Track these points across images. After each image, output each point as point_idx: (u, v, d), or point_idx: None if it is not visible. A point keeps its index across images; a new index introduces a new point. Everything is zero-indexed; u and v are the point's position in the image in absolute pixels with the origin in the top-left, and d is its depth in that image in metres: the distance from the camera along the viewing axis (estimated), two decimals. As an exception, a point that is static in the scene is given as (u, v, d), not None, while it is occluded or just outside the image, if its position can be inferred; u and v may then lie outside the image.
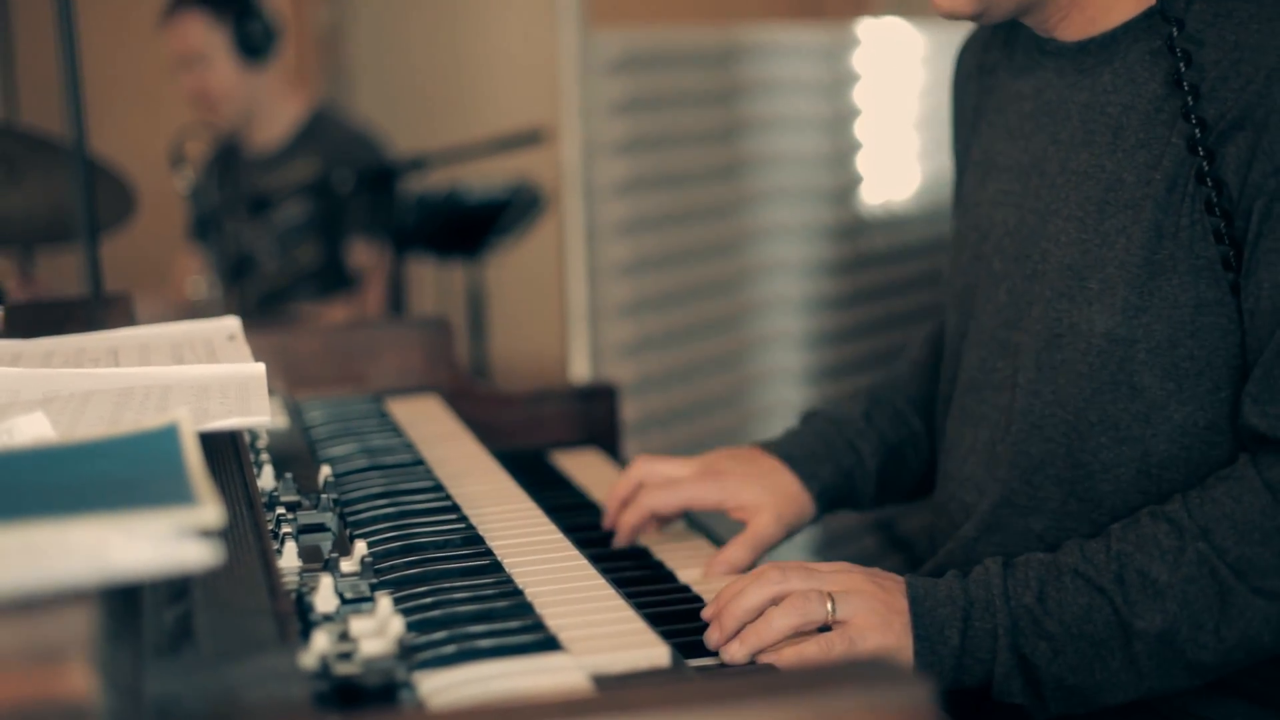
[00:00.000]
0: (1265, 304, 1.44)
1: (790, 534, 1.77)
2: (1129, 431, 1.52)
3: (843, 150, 3.98)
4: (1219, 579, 1.40)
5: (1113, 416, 1.52)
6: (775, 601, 1.43)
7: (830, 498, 1.80)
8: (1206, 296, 1.47)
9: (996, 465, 1.63)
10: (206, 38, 3.97)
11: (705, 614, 1.46)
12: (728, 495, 1.73)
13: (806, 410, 1.91)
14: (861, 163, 4.01)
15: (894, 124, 4.08)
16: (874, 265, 4.00)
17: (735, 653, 1.40)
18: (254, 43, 3.95)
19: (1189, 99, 1.46)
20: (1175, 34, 1.48)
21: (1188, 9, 1.49)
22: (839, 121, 3.97)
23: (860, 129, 4.01)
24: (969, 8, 1.54)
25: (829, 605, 1.42)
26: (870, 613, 1.42)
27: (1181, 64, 1.47)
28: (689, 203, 3.55)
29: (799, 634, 1.43)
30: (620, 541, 1.74)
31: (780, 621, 1.40)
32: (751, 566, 1.67)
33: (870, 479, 1.84)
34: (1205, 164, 1.45)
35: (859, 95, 3.99)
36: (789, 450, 1.80)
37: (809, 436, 1.83)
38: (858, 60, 3.97)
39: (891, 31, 4.15)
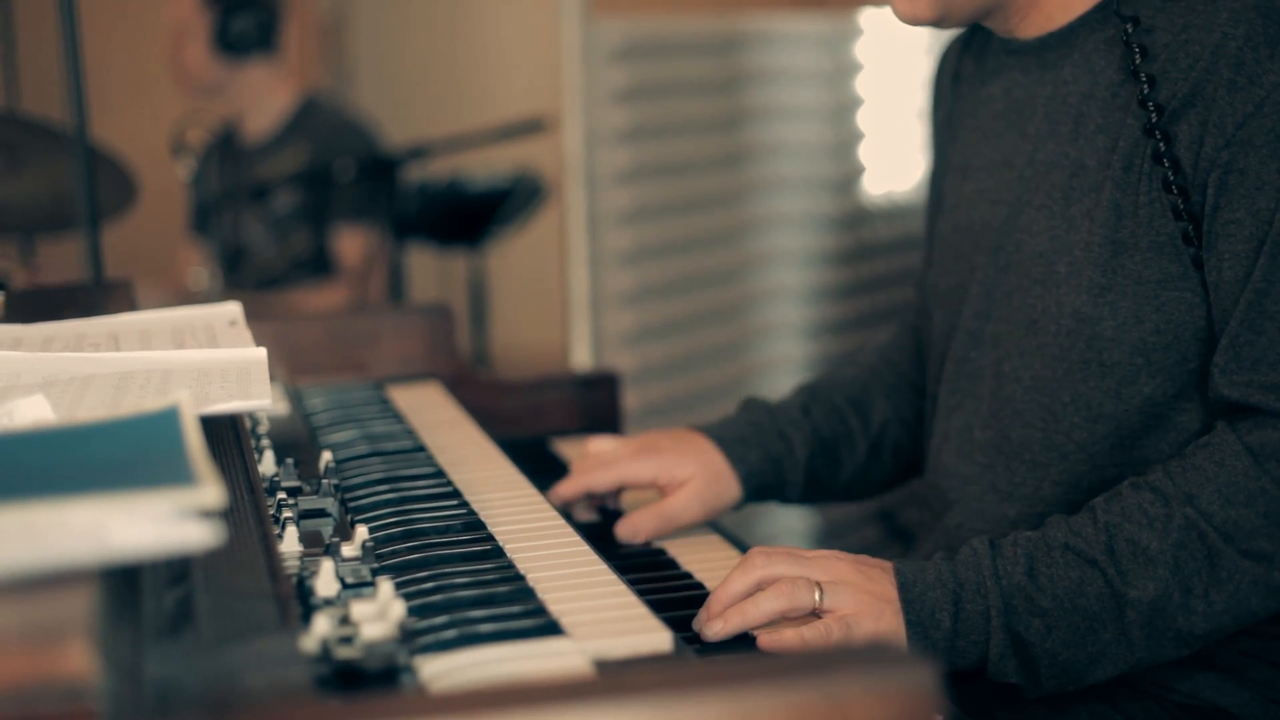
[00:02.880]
0: (1227, 275, 1.47)
1: (710, 515, 1.78)
2: (1101, 409, 1.55)
3: (845, 140, 3.97)
4: (1208, 543, 1.42)
5: (1084, 396, 1.56)
6: (762, 587, 1.44)
7: (757, 484, 1.81)
8: (1169, 272, 1.51)
9: (974, 453, 1.66)
10: (192, 16, 3.98)
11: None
12: (661, 471, 1.75)
13: (745, 399, 1.91)
14: (864, 152, 4.00)
15: (896, 114, 4.08)
16: (876, 255, 3.99)
17: (716, 629, 1.41)
18: (233, 39, 3.95)
19: (1144, 88, 1.50)
20: (1129, 30, 1.52)
21: None
22: (841, 111, 3.96)
23: (862, 119, 4.00)
24: (929, 14, 1.60)
25: (816, 594, 1.42)
26: (859, 603, 1.43)
27: (1137, 55, 1.51)
28: (691, 192, 3.54)
29: (785, 621, 1.43)
30: (558, 500, 1.76)
31: (767, 604, 1.41)
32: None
33: (799, 469, 1.84)
34: (1161, 145, 1.49)
35: (861, 85, 3.99)
36: (720, 433, 1.82)
37: (742, 422, 1.85)
38: (860, 50, 3.96)
39: (894, 21, 4.13)
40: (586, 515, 1.80)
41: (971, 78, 1.77)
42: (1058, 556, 1.44)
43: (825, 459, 1.87)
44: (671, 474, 1.75)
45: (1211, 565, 1.42)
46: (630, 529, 1.70)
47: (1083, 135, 1.58)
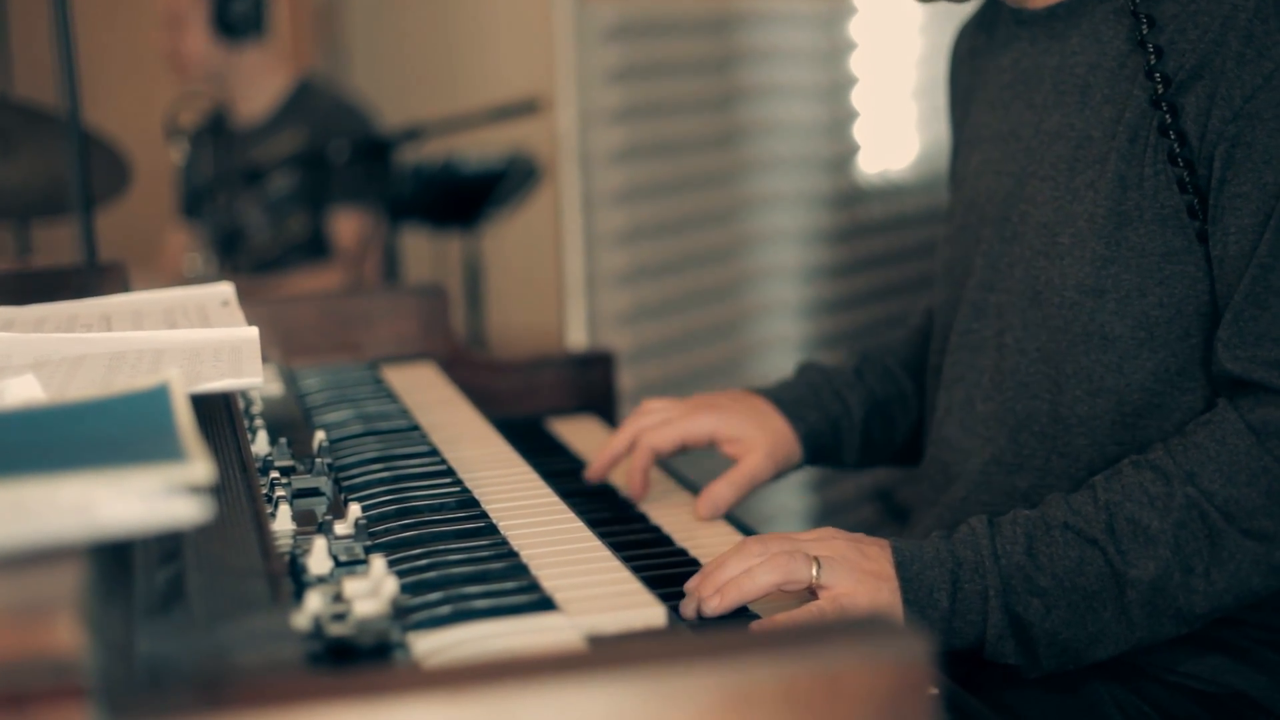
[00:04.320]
0: (1233, 249, 1.46)
1: (780, 474, 1.79)
2: (1103, 383, 1.54)
3: (840, 119, 3.96)
4: (1209, 522, 1.41)
5: (1086, 369, 1.55)
6: None
7: (816, 445, 1.82)
8: (1173, 245, 1.49)
9: (977, 425, 1.65)
10: (188, 4, 3.97)
11: (689, 585, 1.45)
12: (721, 426, 1.75)
13: (801, 363, 1.92)
14: (858, 131, 4.00)
15: (891, 92, 4.07)
16: (871, 234, 3.98)
17: (714, 605, 1.39)
18: (232, 21, 3.94)
19: (1151, 58, 1.49)
20: (1138, 0, 1.51)
21: None
22: (836, 90, 3.95)
23: (857, 97, 3.99)
24: None
25: (814, 569, 1.41)
26: (856, 581, 1.41)
27: (1144, 26, 1.50)
28: (685, 171, 3.53)
29: (782, 595, 1.42)
30: (634, 491, 1.75)
31: (763, 577, 1.40)
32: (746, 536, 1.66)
33: (856, 431, 1.85)
34: (1168, 117, 1.47)
35: (856, 63, 3.98)
36: (778, 394, 1.82)
37: (800, 384, 1.85)
38: (855, 28, 3.96)
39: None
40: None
41: (984, 51, 1.77)
42: (1057, 535, 1.43)
43: (881, 421, 1.87)
44: (731, 430, 1.75)
45: (1212, 544, 1.40)
46: (710, 504, 1.68)
47: (1089, 106, 1.57)
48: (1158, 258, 1.50)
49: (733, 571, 1.41)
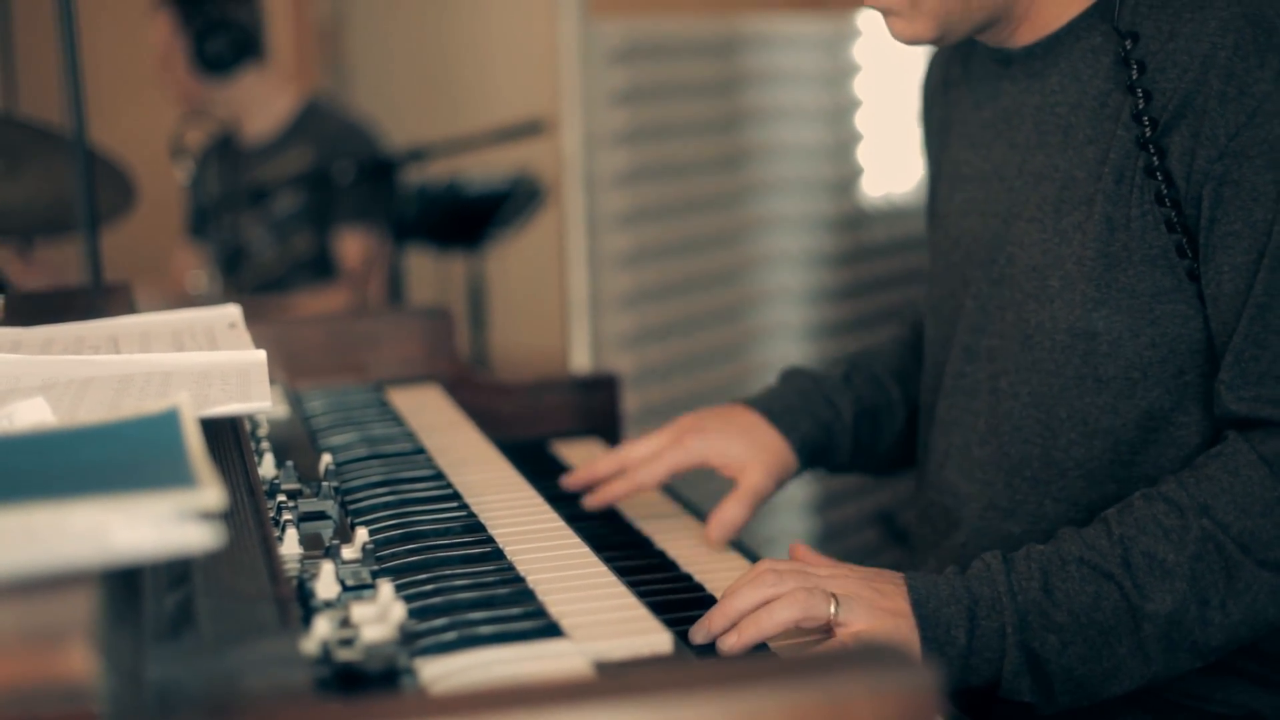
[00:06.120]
0: (1227, 287, 1.46)
1: (780, 486, 1.79)
2: (1098, 424, 1.54)
3: (844, 141, 3.97)
4: (1225, 554, 1.40)
5: (1080, 412, 1.55)
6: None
7: (810, 451, 1.82)
8: (1163, 284, 1.50)
9: (974, 470, 1.65)
10: (170, 39, 3.98)
11: (708, 623, 1.43)
12: (712, 450, 1.75)
13: (785, 368, 1.92)
14: (862, 154, 4.00)
15: (895, 116, 4.08)
16: (875, 257, 3.99)
17: (732, 643, 1.38)
18: (211, 57, 3.94)
19: (1140, 102, 1.48)
20: (1129, 46, 1.50)
21: (1122, 3, 1.51)
22: (840, 113, 3.96)
23: (861, 120, 4.00)
24: (928, 33, 1.57)
25: (832, 606, 1.40)
26: (874, 618, 1.40)
27: (1134, 71, 1.49)
28: (690, 193, 3.54)
29: (799, 633, 1.42)
30: (593, 503, 1.75)
31: (782, 614, 1.38)
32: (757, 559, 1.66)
33: (847, 435, 1.85)
34: (1155, 159, 1.47)
35: (860, 86, 3.98)
36: (768, 405, 1.82)
37: (789, 392, 1.85)
38: (859, 51, 3.96)
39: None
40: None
41: (959, 83, 1.75)
42: (1073, 570, 1.42)
43: (869, 426, 1.88)
44: (721, 452, 1.75)
45: (1229, 576, 1.40)
46: (720, 527, 1.68)
47: (1072, 146, 1.56)
48: (1148, 298, 1.50)
49: (750, 602, 1.40)
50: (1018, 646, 1.41)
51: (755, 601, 1.40)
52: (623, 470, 1.76)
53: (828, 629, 1.41)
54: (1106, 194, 1.51)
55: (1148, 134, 1.47)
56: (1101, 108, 1.54)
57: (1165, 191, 1.47)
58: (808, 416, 1.81)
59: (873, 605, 1.41)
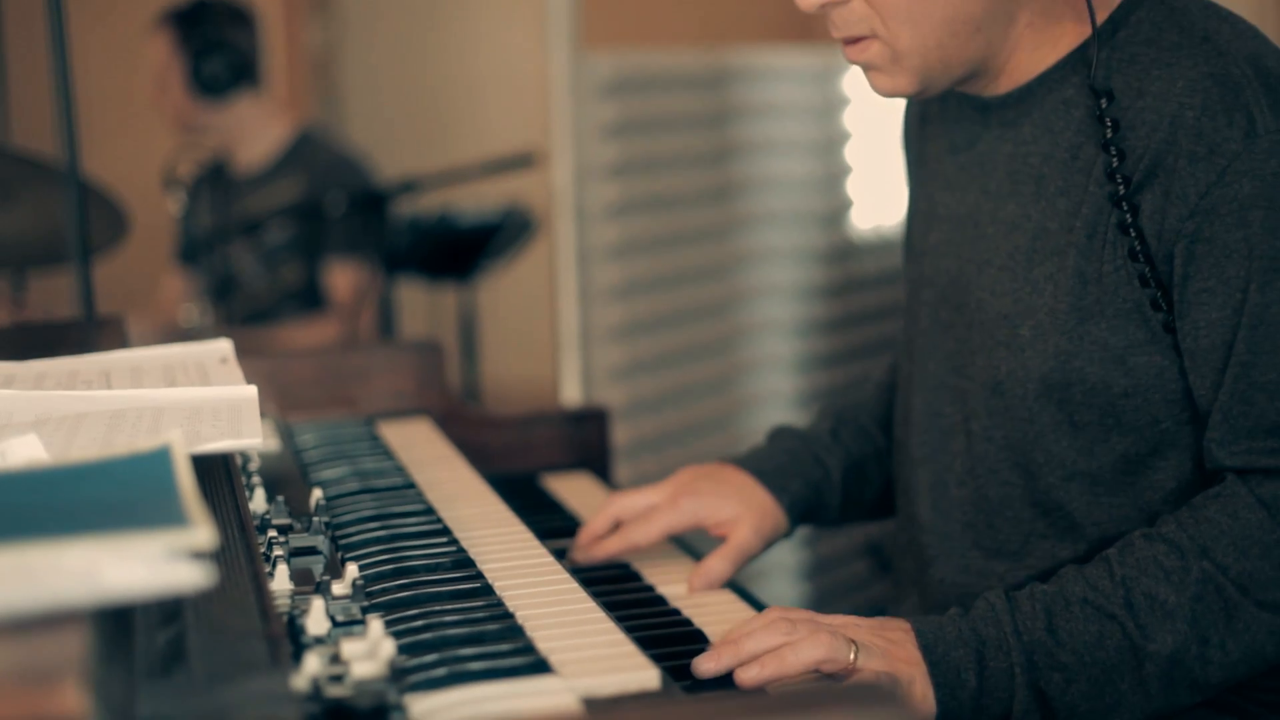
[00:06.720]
0: (1204, 343, 1.48)
1: (768, 546, 1.79)
2: (1075, 467, 1.56)
3: (833, 174, 3.99)
4: (1224, 595, 1.42)
5: (1058, 456, 1.57)
6: None
7: (800, 511, 1.82)
8: (1137, 337, 1.51)
9: (952, 509, 1.67)
10: (168, 61, 3.99)
11: (717, 661, 1.43)
12: (706, 513, 1.75)
13: (774, 428, 1.93)
14: (852, 186, 4.02)
15: (884, 148, 4.10)
16: (864, 289, 4.01)
17: (754, 675, 1.39)
18: (208, 78, 3.95)
19: (1114, 161, 1.49)
20: (1104, 105, 1.51)
21: (1095, 59, 1.52)
22: (829, 145, 3.98)
23: (850, 153, 4.02)
24: (910, 88, 1.58)
25: (852, 653, 1.41)
26: (889, 665, 1.42)
27: (1108, 130, 1.50)
28: (680, 226, 3.56)
29: (807, 676, 1.42)
30: (588, 559, 1.75)
31: (808, 653, 1.40)
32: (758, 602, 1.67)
33: (836, 492, 1.86)
34: (1128, 215, 1.49)
35: (849, 119, 4.01)
36: (758, 465, 1.82)
37: (778, 452, 1.85)
38: (848, 84, 3.99)
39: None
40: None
41: (936, 120, 1.76)
42: (1076, 610, 1.44)
43: (858, 479, 1.88)
44: (716, 516, 1.75)
45: (1228, 617, 1.42)
46: (704, 579, 1.69)
47: (1044, 197, 1.57)
48: (1121, 349, 1.51)
49: (764, 645, 1.41)
50: (1026, 686, 1.43)
51: (769, 645, 1.41)
52: (618, 524, 1.76)
53: (846, 673, 1.41)
54: (1079, 248, 1.53)
55: (1121, 191, 1.49)
56: (1073, 160, 1.55)
57: (1139, 248, 1.49)
58: (798, 477, 1.82)
59: (887, 654, 1.43)
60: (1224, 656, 1.43)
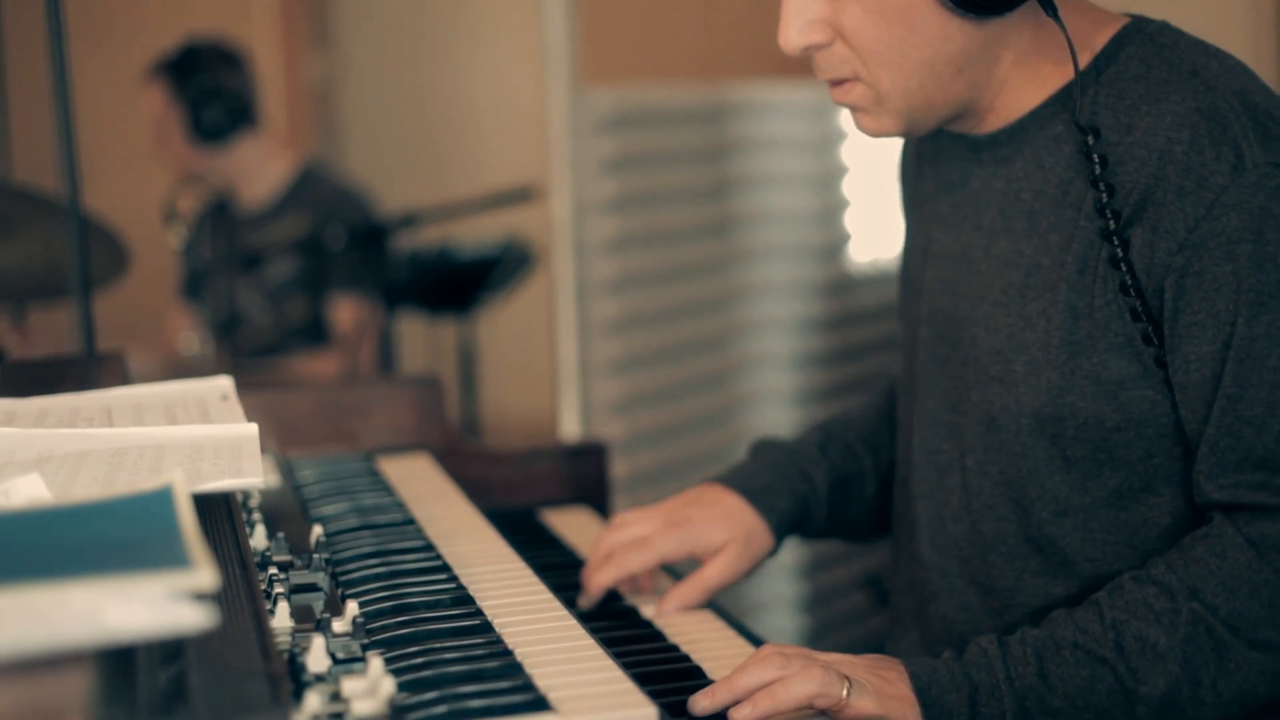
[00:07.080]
0: (1194, 376, 1.48)
1: (753, 569, 1.80)
2: (1068, 502, 1.57)
3: (831, 207, 4.00)
4: (1215, 636, 1.43)
5: (1051, 491, 1.58)
6: None
7: (787, 526, 1.83)
8: (1129, 371, 1.52)
9: (949, 545, 1.68)
10: (165, 110, 4.01)
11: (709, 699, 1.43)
12: (698, 544, 1.76)
13: (757, 441, 1.93)
14: (849, 220, 4.04)
15: (882, 181, 4.11)
16: (863, 322, 4.02)
17: (746, 713, 1.39)
18: (208, 127, 3.97)
19: (1103, 196, 1.50)
20: (1091, 142, 1.52)
21: (1082, 94, 1.54)
22: (827, 179, 3.99)
23: (848, 186, 4.03)
24: (895, 129, 1.60)
25: (845, 689, 1.41)
26: (882, 704, 1.43)
27: (1096, 166, 1.51)
28: (679, 260, 3.57)
29: (800, 712, 1.43)
30: (590, 599, 1.76)
31: (800, 688, 1.40)
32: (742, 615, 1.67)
33: (822, 505, 1.86)
34: (1119, 250, 1.50)
35: (847, 153, 4.02)
36: (745, 484, 1.82)
37: (764, 468, 1.86)
38: (845, 118, 4.00)
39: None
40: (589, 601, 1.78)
41: (931, 159, 1.77)
42: (1067, 655, 1.45)
43: (841, 494, 1.89)
44: (706, 543, 1.76)
45: (1219, 658, 1.43)
46: (675, 603, 1.71)
47: (1036, 233, 1.59)
48: (1113, 385, 1.52)
49: (757, 681, 1.41)
50: None
51: (763, 680, 1.41)
52: (610, 558, 1.77)
53: (839, 710, 1.42)
54: (1070, 282, 1.54)
55: (1111, 227, 1.50)
56: (1064, 195, 1.57)
57: (1130, 282, 1.50)
58: (785, 493, 1.83)
59: (881, 692, 1.43)
60: (1216, 697, 1.43)
